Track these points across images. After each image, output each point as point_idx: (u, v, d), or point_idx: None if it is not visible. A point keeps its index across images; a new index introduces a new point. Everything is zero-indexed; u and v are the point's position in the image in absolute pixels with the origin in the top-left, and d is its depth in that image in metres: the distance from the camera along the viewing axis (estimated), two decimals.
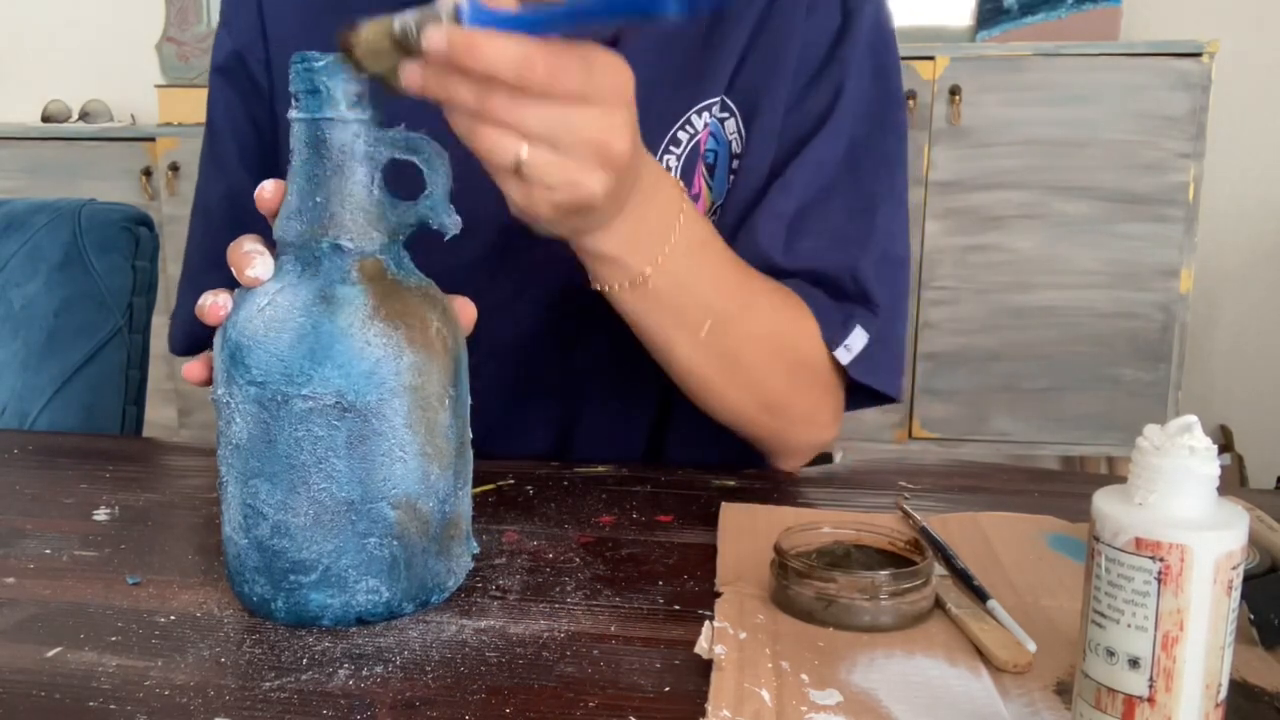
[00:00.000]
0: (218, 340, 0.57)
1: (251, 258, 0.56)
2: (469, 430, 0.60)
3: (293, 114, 0.55)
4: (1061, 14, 2.36)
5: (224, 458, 0.57)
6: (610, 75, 0.54)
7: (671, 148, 0.81)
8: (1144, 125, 2.19)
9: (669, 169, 0.80)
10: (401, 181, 0.58)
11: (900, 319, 0.83)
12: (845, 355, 0.79)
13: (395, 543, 0.56)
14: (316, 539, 0.55)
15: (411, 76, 0.52)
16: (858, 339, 0.79)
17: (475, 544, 0.61)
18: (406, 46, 0.52)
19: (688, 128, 0.81)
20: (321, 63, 0.54)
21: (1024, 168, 2.24)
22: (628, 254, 0.66)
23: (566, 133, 0.54)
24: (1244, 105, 2.47)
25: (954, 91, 2.22)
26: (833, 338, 0.78)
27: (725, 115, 0.82)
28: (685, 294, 0.69)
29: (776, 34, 0.82)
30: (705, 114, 0.81)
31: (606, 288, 0.68)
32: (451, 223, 0.57)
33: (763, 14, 0.82)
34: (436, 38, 0.50)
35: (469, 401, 0.60)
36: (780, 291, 0.78)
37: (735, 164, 0.82)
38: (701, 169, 0.82)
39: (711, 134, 0.82)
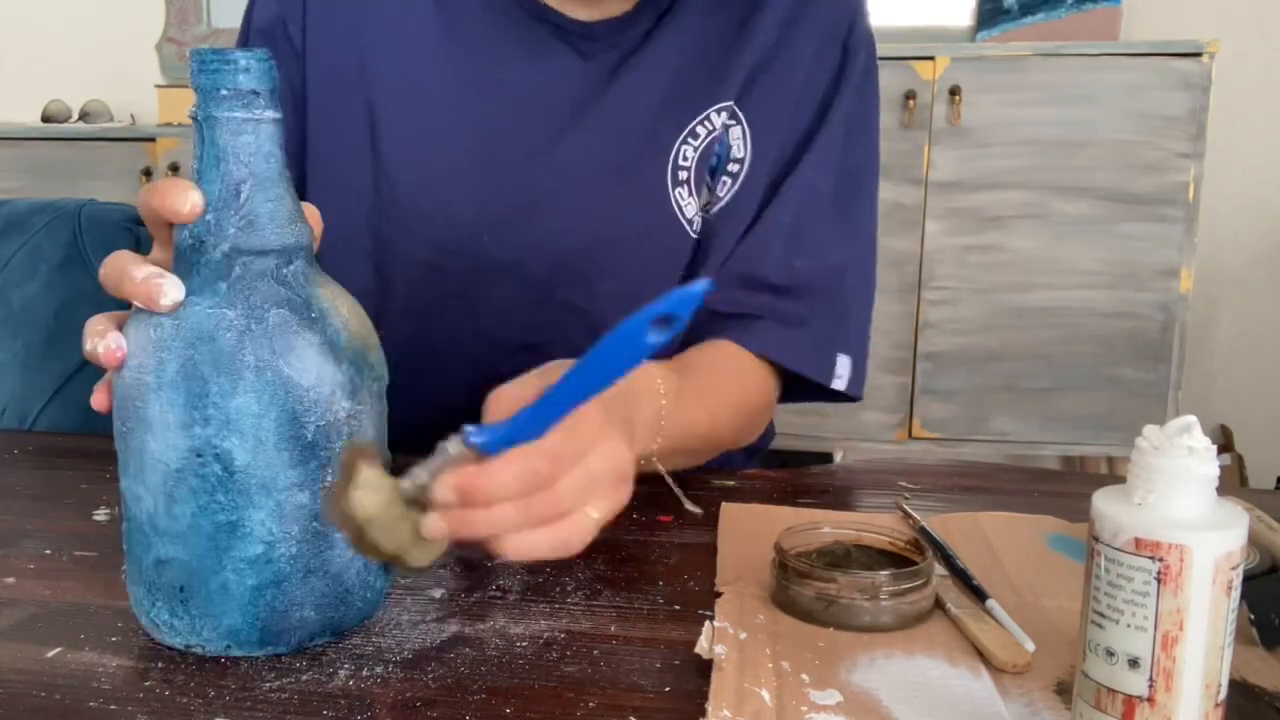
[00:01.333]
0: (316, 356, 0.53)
1: (156, 284, 0.51)
2: None
3: (246, 114, 0.52)
4: (1061, 14, 2.36)
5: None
6: (589, 427, 0.52)
7: (690, 139, 0.85)
8: (1144, 125, 2.19)
9: (686, 159, 0.85)
10: None
11: (868, 330, 0.92)
12: (840, 383, 0.88)
13: None
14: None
15: (437, 526, 0.50)
16: (843, 366, 0.89)
17: None
18: (421, 501, 0.50)
19: (706, 124, 0.85)
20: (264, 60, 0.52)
21: (1024, 168, 2.24)
22: (639, 450, 0.67)
23: (596, 480, 0.52)
24: (1244, 105, 2.47)
25: (954, 91, 2.21)
26: (826, 377, 0.88)
27: (732, 123, 0.86)
28: (681, 433, 0.73)
29: (788, 60, 0.87)
30: (722, 114, 0.86)
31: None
32: None
33: (780, 38, 0.87)
34: (444, 492, 0.49)
35: None
36: (725, 370, 0.85)
37: (734, 168, 0.86)
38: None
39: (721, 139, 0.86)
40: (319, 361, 0.52)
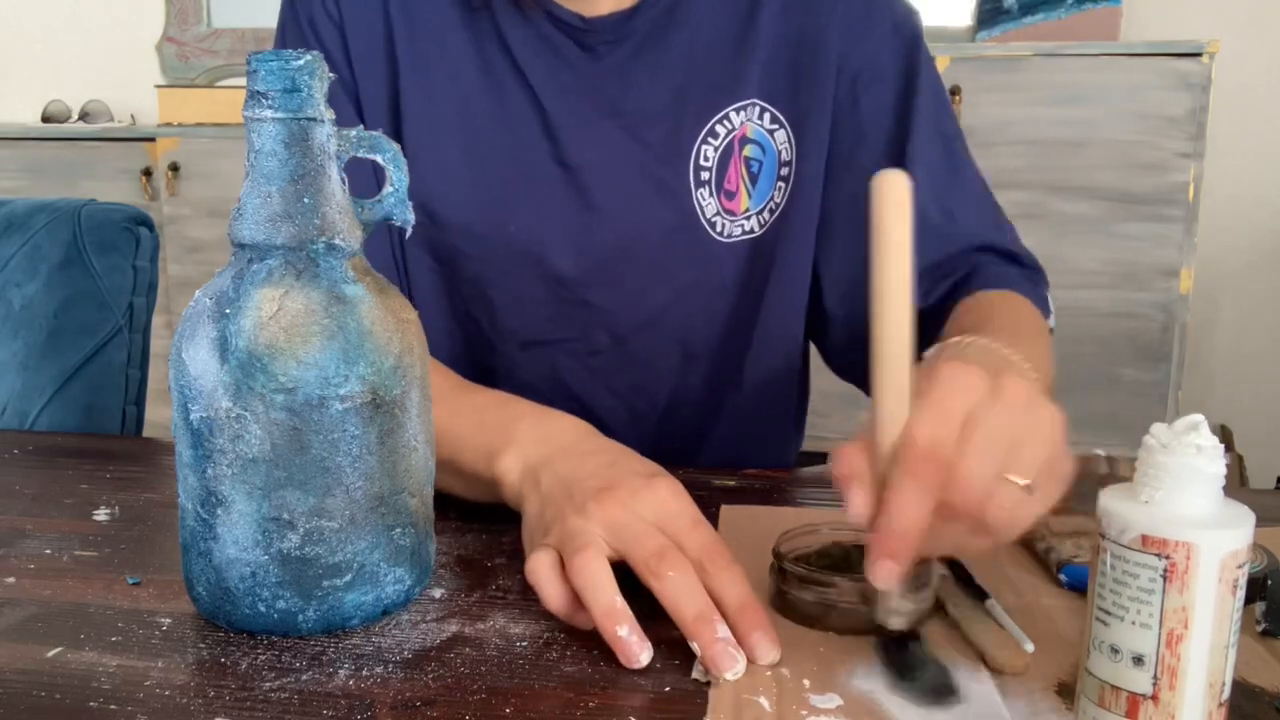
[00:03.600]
0: (206, 353, 0.53)
1: (628, 644, 0.53)
2: None
3: (268, 113, 0.53)
4: (1061, 14, 2.36)
5: (223, 477, 0.53)
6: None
7: (710, 139, 0.85)
8: (1144, 125, 2.19)
9: (707, 160, 0.85)
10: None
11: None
12: (1051, 319, 0.89)
13: (412, 530, 0.57)
14: (351, 539, 0.55)
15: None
16: (1049, 298, 0.89)
17: None
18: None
19: (725, 123, 0.85)
20: (300, 61, 0.53)
21: (1024, 168, 2.24)
22: None
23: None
24: (1244, 105, 2.47)
25: (954, 91, 2.21)
26: (1046, 311, 0.87)
27: (775, 127, 0.86)
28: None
29: (812, 51, 0.86)
30: (742, 113, 0.85)
31: None
32: (411, 219, 0.59)
33: (791, 31, 0.85)
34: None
35: None
36: (1018, 314, 0.84)
37: (785, 171, 0.86)
38: (741, 168, 0.86)
39: (758, 143, 0.86)
40: (207, 355, 0.53)
